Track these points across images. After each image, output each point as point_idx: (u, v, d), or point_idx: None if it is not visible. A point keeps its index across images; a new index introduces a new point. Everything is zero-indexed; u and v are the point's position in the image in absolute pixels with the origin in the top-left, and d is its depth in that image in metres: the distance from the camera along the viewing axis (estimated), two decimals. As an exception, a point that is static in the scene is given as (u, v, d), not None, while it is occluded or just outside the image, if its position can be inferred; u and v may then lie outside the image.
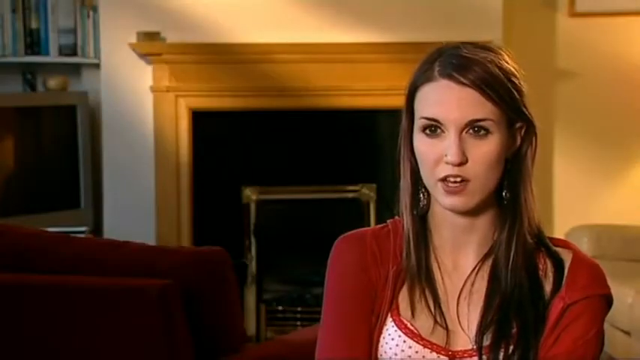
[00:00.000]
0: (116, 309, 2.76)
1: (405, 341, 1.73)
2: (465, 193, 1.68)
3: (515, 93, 1.70)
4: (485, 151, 1.68)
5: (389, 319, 1.75)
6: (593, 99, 5.58)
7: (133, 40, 5.16)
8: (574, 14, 5.54)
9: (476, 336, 1.71)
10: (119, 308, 2.76)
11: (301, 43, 5.20)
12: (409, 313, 1.74)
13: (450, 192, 1.68)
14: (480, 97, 1.67)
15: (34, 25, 5.35)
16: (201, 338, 2.77)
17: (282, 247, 5.46)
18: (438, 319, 1.73)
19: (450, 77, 1.67)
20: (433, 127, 1.69)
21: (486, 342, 1.70)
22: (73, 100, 5.35)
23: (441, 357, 1.72)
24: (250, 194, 5.29)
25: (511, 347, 1.69)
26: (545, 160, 5.50)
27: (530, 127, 1.73)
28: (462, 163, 1.67)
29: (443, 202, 1.70)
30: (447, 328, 1.73)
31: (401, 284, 1.76)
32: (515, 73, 1.71)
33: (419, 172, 1.73)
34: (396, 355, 1.73)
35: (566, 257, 1.75)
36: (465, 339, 1.73)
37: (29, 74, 5.48)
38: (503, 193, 1.73)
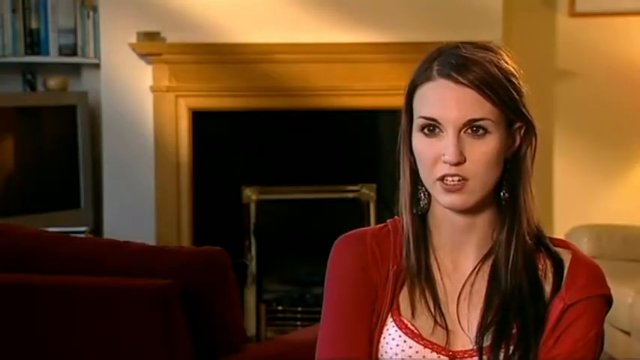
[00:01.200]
0: (116, 309, 2.76)
1: (405, 341, 1.73)
2: (463, 191, 1.68)
3: (514, 93, 1.69)
4: (483, 151, 1.67)
5: (389, 319, 1.75)
6: (593, 99, 5.57)
7: (133, 40, 5.16)
8: (574, 14, 5.54)
9: (476, 337, 1.71)
10: (119, 308, 2.75)
11: (301, 43, 5.20)
12: (409, 312, 1.74)
13: (449, 190, 1.68)
14: (479, 97, 1.66)
15: (34, 25, 5.35)
16: (201, 338, 2.77)
17: (282, 247, 5.46)
18: (438, 320, 1.73)
19: (448, 77, 1.67)
20: (431, 127, 1.69)
21: (487, 342, 1.70)
22: (73, 100, 5.34)
23: (442, 357, 1.72)
24: (250, 194, 5.29)
25: (511, 348, 1.69)
26: (545, 160, 5.50)
27: (529, 127, 1.73)
28: (460, 162, 1.67)
29: (442, 201, 1.70)
30: (447, 329, 1.73)
31: (401, 284, 1.76)
32: (515, 73, 1.71)
33: (418, 171, 1.73)
34: (396, 354, 1.73)
35: (566, 257, 1.74)
36: (465, 339, 1.73)
37: (29, 74, 5.48)
38: (502, 193, 1.73)
